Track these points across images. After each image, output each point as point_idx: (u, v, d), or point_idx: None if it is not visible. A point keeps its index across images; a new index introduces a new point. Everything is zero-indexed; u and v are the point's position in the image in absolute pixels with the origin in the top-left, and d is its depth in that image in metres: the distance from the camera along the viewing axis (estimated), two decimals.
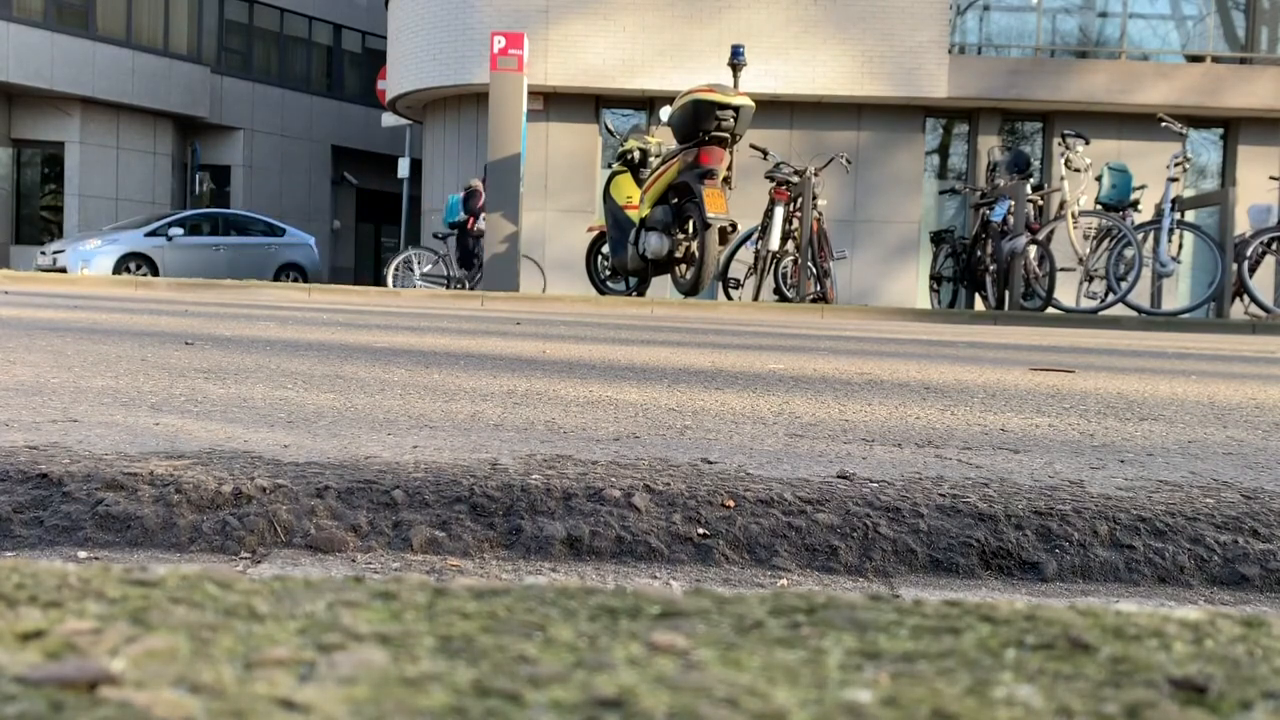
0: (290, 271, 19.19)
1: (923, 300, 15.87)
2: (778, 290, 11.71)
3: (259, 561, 1.19)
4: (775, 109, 16.00)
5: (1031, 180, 11.20)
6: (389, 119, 19.62)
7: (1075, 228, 10.42)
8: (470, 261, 13.15)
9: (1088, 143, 10.90)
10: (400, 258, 13.57)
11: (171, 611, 0.62)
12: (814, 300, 11.33)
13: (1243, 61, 16.72)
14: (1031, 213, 10.76)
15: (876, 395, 2.29)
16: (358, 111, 28.56)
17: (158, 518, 1.23)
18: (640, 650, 0.58)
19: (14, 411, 1.67)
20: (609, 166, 12.24)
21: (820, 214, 10.83)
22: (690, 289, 9.28)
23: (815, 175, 10.49)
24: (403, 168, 20.43)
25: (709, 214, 8.65)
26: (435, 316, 5.03)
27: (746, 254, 11.96)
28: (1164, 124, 10.72)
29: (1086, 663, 0.59)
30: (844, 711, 0.50)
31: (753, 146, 10.88)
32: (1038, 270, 10.42)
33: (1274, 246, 10.72)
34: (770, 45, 15.51)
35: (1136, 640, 0.64)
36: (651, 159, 10.28)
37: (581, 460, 1.45)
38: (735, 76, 12.02)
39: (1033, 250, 10.39)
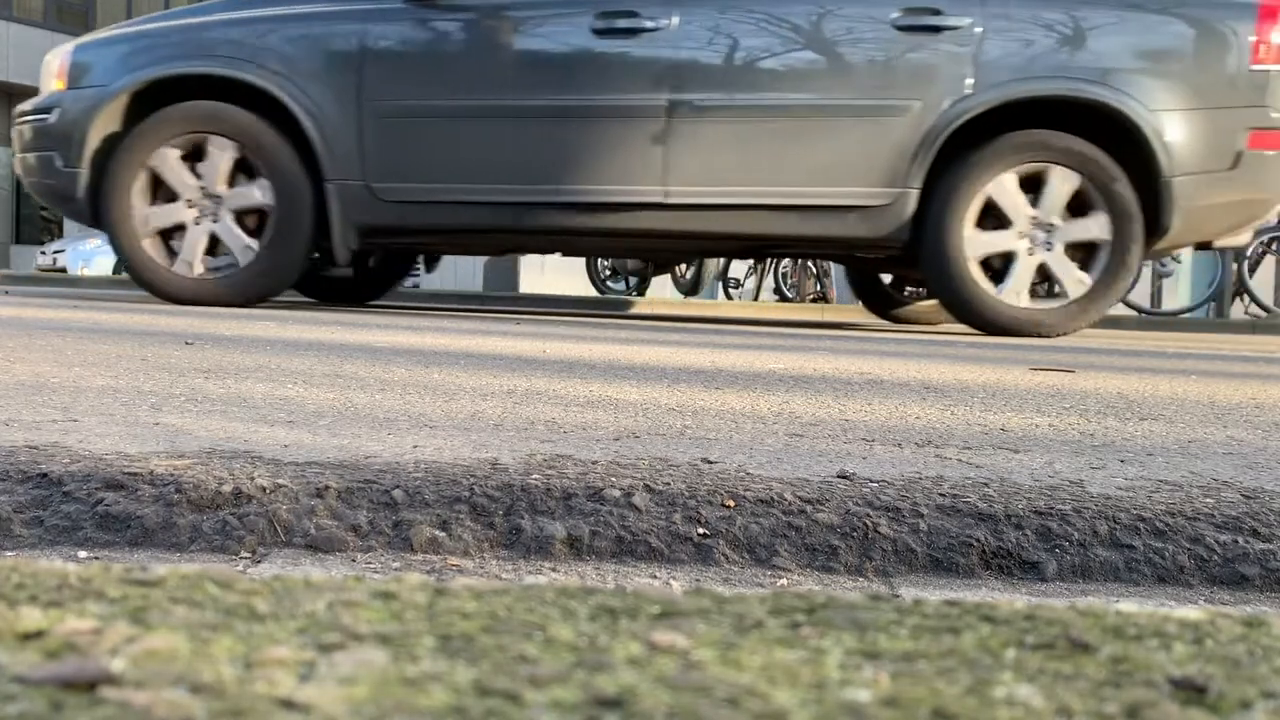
0: None
1: None
2: (778, 290, 11.69)
3: (259, 561, 1.19)
4: None
5: None
6: None
7: None
8: None
9: None
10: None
11: (171, 611, 0.62)
12: (814, 300, 11.32)
13: None
14: None
15: (876, 395, 2.29)
16: None
17: (158, 517, 1.23)
18: (640, 650, 0.58)
19: (14, 411, 1.67)
20: None
21: None
22: (690, 289, 9.28)
23: None
24: None
25: None
26: (435, 316, 5.04)
27: None
28: None
29: (1086, 663, 0.59)
30: (844, 711, 0.50)
31: None
32: None
33: (1274, 246, 10.72)
34: None
35: (1136, 640, 0.64)
36: None
37: (581, 460, 1.45)
38: None
39: None
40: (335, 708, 0.48)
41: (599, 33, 4.77)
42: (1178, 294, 15.13)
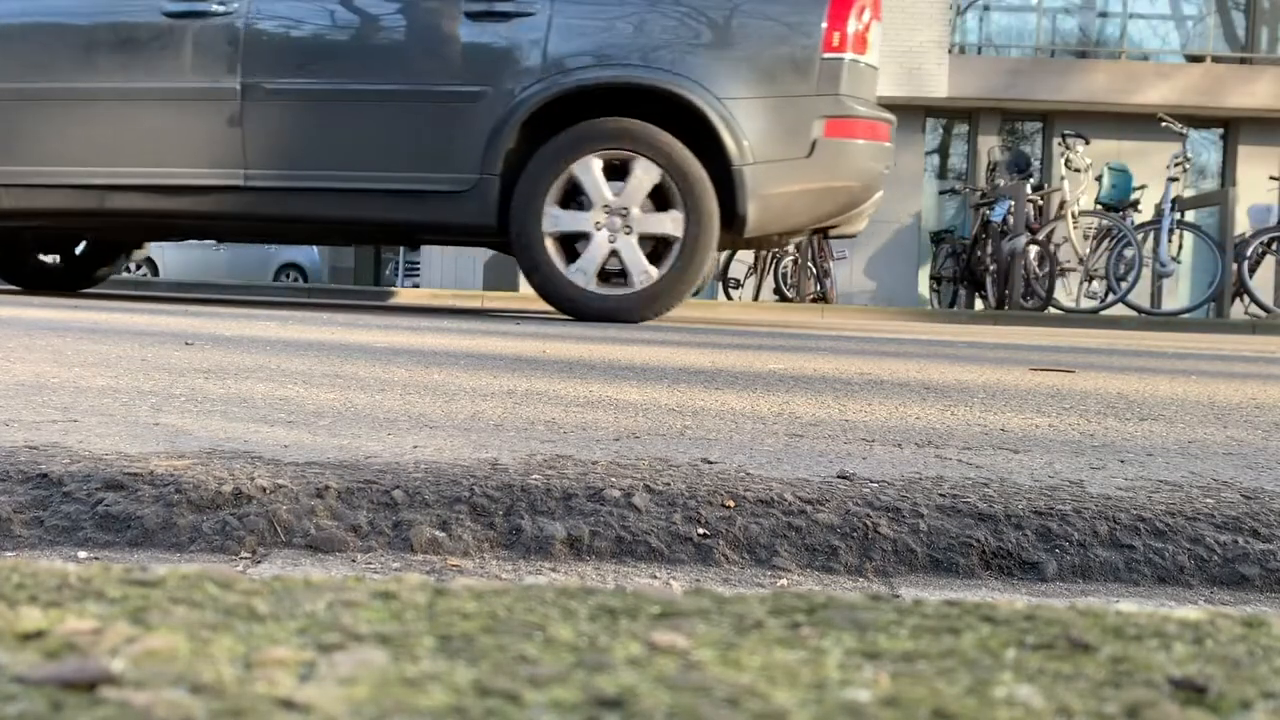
0: (290, 271, 19.19)
1: (923, 300, 15.85)
2: (778, 290, 11.68)
3: (259, 561, 1.19)
4: None
5: (1031, 180, 11.20)
6: None
7: (1075, 228, 10.43)
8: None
9: (1088, 143, 10.90)
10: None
11: (171, 611, 0.62)
12: (814, 300, 11.33)
13: (1243, 61, 16.72)
14: (1031, 213, 10.76)
15: (876, 395, 2.29)
16: None
17: (158, 518, 1.23)
18: (640, 650, 0.58)
19: (14, 411, 1.67)
20: None
21: None
22: None
23: None
24: None
25: None
26: (435, 316, 5.04)
27: (746, 254, 11.95)
28: (1164, 124, 10.73)
29: (1086, 663, 0.59)
30: (844, 711, 0.50)
31: None
32: (1038, 270, 10.43)
33: (1274, 246, 10.72)
34: None
35: (1136, 640, 0.64)
36: None
37: (581, 460, 1.45)
38: None
39: (1033, 250, 10.39)
40: (335, 708, 0.48)
41: (170, 15, 4.74)
42: (1178, 294, 15.14)
